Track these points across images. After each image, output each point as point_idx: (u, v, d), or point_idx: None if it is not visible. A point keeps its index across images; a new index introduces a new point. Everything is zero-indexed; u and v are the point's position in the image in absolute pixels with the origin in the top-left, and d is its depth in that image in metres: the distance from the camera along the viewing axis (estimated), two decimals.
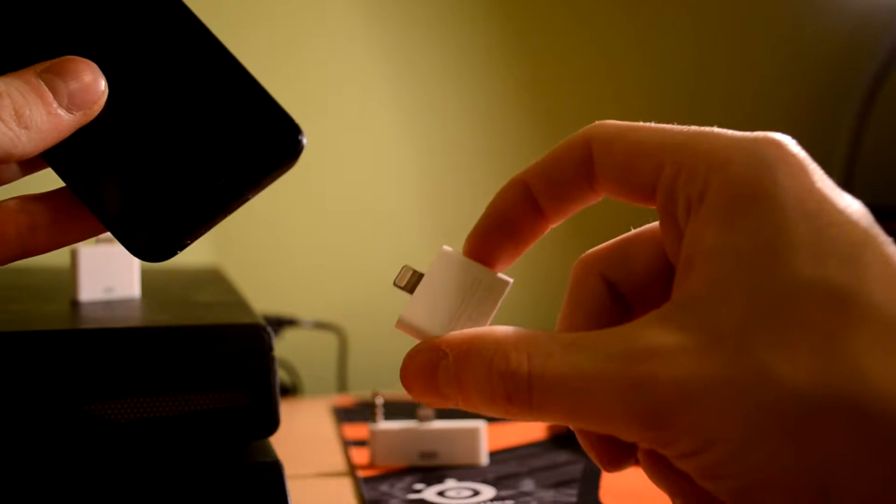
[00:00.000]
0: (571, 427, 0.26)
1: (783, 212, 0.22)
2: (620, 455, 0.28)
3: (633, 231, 0.28)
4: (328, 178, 0.80)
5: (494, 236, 0.28)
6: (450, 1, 0.81)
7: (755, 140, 0.23)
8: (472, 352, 0.24)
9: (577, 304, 0.28)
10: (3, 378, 0.35)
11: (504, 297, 0.28)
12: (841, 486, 0.21)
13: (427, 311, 0.27)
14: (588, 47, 0.84)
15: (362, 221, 0.81)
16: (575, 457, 0.51)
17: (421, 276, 0.27)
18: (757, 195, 0.23)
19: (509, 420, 0.26)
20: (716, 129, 0.24)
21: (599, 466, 0.28)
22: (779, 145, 0.23)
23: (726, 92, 0.87)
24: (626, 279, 0.28)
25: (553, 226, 0.28)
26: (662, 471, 0.27)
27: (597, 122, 0.26)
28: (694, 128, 0.25)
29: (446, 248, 0.28)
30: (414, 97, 0.81)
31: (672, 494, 0.28)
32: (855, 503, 0.21)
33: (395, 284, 0.27)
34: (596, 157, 0.26)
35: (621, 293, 0.28)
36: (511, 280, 0.28)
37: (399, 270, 0.27)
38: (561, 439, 0.55)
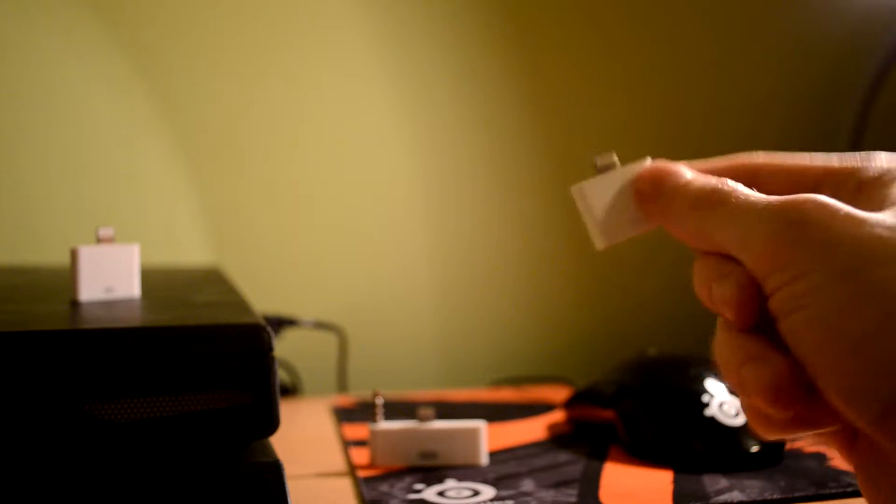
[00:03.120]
0: (718, 246, 0.28)
1: None
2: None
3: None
4: (328, 179, 0.80)
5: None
6: (451, 11, 0.81)
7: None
8: (701, 177, 0.30)
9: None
10: (3, 378, 0.35)
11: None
12: None
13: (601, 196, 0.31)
14: (592, 48, 0.84)
15: (363, 221, 0.81)
16: (575, 457, 0.51)
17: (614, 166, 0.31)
18: None
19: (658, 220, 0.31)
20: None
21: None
22: None
23: (726, 92, 0.87)
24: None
25: None
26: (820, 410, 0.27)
27: (762, 154, 0.32)
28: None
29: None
30: (415, 97, 0.81)
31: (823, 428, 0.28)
32: None
33: (595, 163, 0.31)
34: (762, 176, 0.30)
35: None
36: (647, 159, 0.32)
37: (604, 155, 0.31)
38: (561, 439, 0.55)
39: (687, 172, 0.30)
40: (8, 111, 0.73)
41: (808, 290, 0.24)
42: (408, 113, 0.81)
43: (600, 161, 0.31)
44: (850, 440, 0.28)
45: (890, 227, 0.24)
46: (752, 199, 0.27)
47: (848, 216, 0.24)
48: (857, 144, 0.85)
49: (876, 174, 0.28)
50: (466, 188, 0.83)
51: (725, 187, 0.28)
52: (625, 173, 0.31)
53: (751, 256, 0.26)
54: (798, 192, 0.28)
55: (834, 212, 0.25)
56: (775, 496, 0.43)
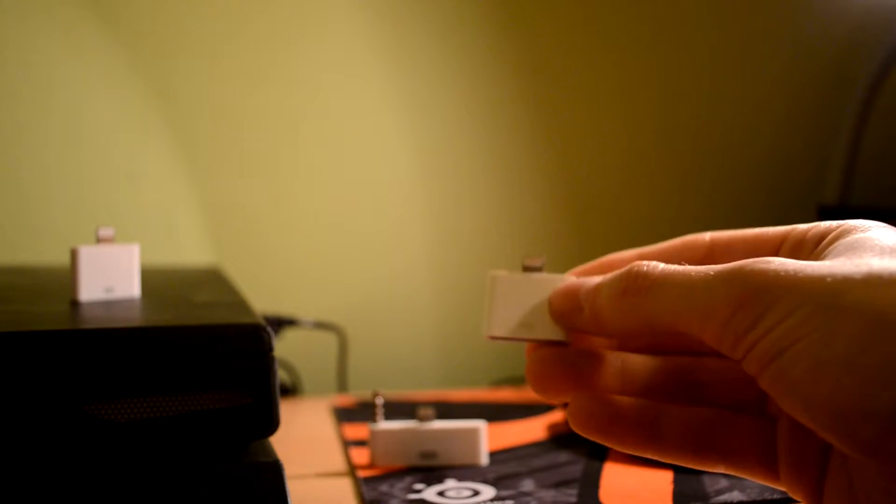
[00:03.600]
0: (667, 327, 0.28)
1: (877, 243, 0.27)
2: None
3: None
4: (328, 179, 0.80)
5: (591, 276, 0.32)
6: (452, 11, 0.81)
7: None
8: (614, 260, 0.31)
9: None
10: (3, 378, 0.35)
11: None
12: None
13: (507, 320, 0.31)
14: (592, 48, 0.84)
15: (363, 221, 0.81)
16: (575, 457, 0.51)
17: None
18: (866, 225, 0.28)
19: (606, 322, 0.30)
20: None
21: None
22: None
23: (726, 92, 0.87)
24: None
25: None
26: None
27: (708, 232, 0.32)
28: None
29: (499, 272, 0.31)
30: (416, 97, 0.81)
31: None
32: None
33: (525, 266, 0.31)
34: (718, 251, 0.31)
35: None
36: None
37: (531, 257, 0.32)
38: (561, 439, 0.55)
39: (594, 279, 0.30)
40: (7, 111, 0.73)
41: (789, 331, 0.24)
42: (408, 113, 0.81)
43: (528, 261, 0.31)
44: (815, 490, 0.28)
45: (844, 265, 0.25)
46: (694, 270, 0.27)
47: (804, 265, 0.25)
48: (857, 144, 0.85)
49: (831, 228, 0.29)
50: (466, 188, 0.83)
51: (645, 268, 0.28)
52: (545, 282, 0.31)
53: (717, 323, 0.26)
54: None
55: (791, 264, 0.25)
56: (775, 496, 0.43)
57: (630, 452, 0.30)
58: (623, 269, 0.29)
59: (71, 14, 0.74)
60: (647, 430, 0.30)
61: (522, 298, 0.31)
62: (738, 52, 0.87)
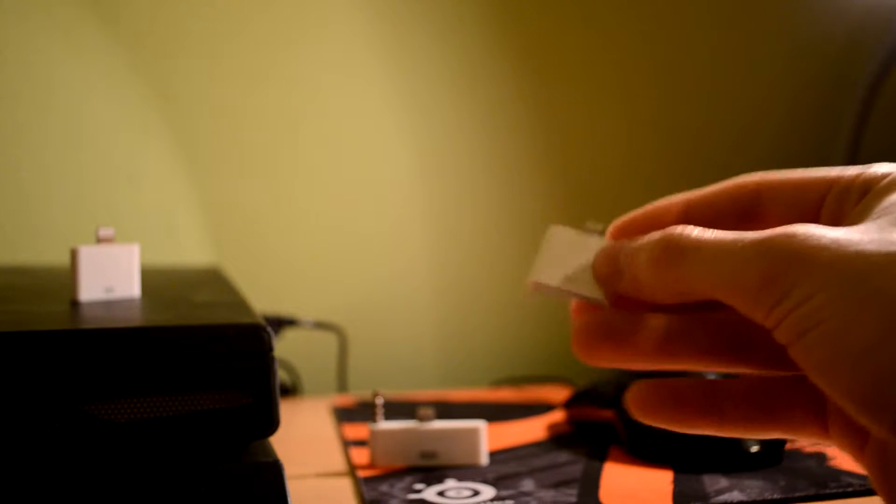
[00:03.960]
0: (702, 295, 0.28)
1: None
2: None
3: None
4: (329, 178, 0.80)
5: (637, 225, 0.32)
6: (452, 12, 0.81)
7: None
8: (650, 235, 0.30)
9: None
10: (3, 378, 0.35)
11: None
12: None
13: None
14: (592, 48, 0.84)
15: (363, 221, 0.81)
16: (575, 457, 0.51)
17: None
18: None
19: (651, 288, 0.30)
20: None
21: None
22: None
23: (726, 92, 0.87)
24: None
25: None
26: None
27: (757, 173, 0.31)
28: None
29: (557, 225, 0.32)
30: (416, 97, 0.81)
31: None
32: None
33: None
34: (765, 195, 0.31)
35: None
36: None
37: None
38: (561, 439, 0.55)
39: (634, 241, 0.30)
40: (7, 111, 0.73)
41: (813, 311, 0.25)
42: (408, 113, 0.81)
43: (590, 224, 0.32)
44: (859, 446, 0.28)
45: (872, 240, 0.25)
46: (728, 239, 0.27)
47: (834, 240, 0.25)
48: (857, 144, 0.85)
49: (877, 178, 0.28)
50: (466, 187, 0.83)
51: (679, 234, 0.28)
52: (596, 243, 0.31)
53: (748, 294, 0.26)
54: (804, 206, 0.29)
55: (820, 237, 0.25)
56: (775, 496, 0.43)
57: (692, 432, 0.31)
58: (658, 235, 0.29)
59: (71, 14, 0.74)
60: (709, 411, 0.30)
61: (572, 254, 0.31)
62: (738, 52, 0.87)
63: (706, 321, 0.30)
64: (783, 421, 0.30)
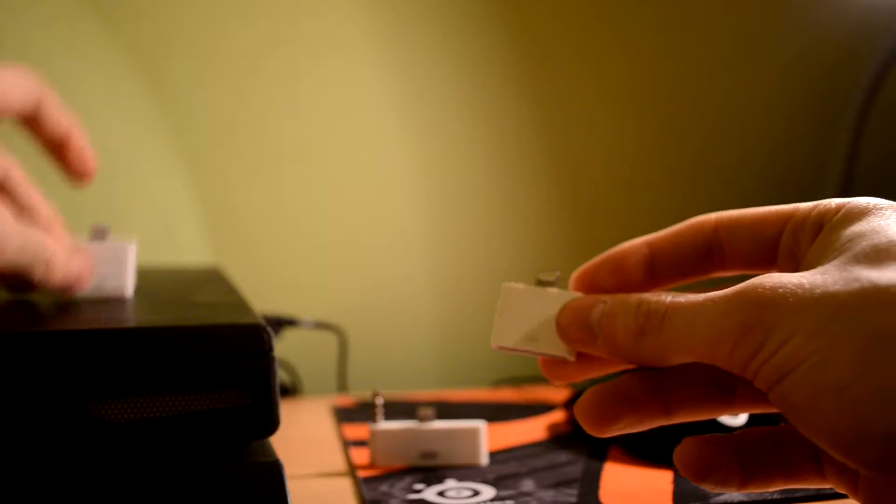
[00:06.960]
0: (682, 359, 0.28)
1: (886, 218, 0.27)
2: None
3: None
4: (329, 178, 0.80)
5: (601, 272, 0.32)
6: (454, 9, 0.81)
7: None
8: (623, 298, 0.30)
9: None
10: (3, 378, 0.35)
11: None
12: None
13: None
14: (595, 45, 0.84)
15: (363, 222, 0.81)
16: (575, 457, 0.51)
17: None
18: (867, 209, 0.28)
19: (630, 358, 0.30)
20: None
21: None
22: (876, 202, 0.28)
23: (726, 93, 0.87)
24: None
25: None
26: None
27: (714, 213, 0.32)
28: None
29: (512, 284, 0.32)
30: (417, 96, 0.81)
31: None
32: None
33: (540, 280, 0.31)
34: (723, 233, 0.31)
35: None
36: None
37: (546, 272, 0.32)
38: (561, 439, 0.55)
39: (601, 301, 0.30)
40: None
41: (793, 353, 0.25)
42: (409, 113, 0.81)
43: (542, 275, 0.31)
44: (853, 484, 0.29)
45: (837, 280, 0.25)
46: (699, 300, 0.27)
47: (800, 285, 0.26)
48: (856, 145, 0.85)
49: (830, 212, 0.29)
50: (468, 189, 0.83)
51: (656, 300, 0.28)
52: (555, 298, 0.31)
53: (725, 350, 0.26)
54: (762, 242, 0.30)
55: (786, 283, 0.26)
56: (775, 496, 0.43)
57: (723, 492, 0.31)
58: (635, 302, 0.29)
59: (69, 11, 0.74)
60: (734, 470, 0.30)
61: (531, 311, 0.31)
62: (738, 52, 0.87)
63: (688, 369, 0.31)
64: (788, 474, 0.30)
